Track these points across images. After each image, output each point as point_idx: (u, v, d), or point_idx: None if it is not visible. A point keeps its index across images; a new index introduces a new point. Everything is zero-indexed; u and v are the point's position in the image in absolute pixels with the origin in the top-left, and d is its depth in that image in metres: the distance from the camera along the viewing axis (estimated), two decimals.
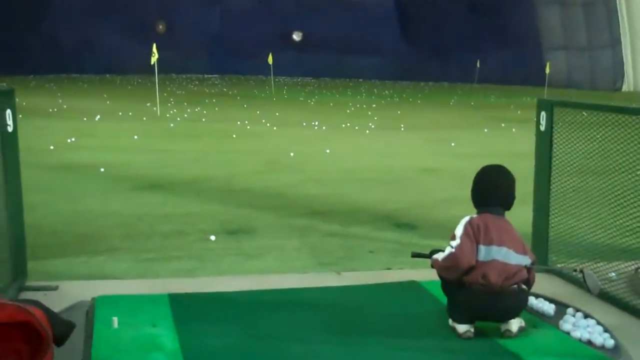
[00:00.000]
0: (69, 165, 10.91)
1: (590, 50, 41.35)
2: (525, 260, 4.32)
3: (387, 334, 4.31)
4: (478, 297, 4.19)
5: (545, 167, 5.62)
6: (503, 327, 4.24)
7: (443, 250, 4.37)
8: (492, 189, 4.48)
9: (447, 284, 4.44)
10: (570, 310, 4.62)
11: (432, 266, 4.47)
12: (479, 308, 4.22)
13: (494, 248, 4.23)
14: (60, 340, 3.53)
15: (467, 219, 4.37)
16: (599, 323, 4.41)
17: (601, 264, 5.11)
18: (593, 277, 4.44)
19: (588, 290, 4.43)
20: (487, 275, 4.18)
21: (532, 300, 4.71)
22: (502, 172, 4.53)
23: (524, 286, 4.30)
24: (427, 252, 4.61)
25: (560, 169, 5.56)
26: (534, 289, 4.56)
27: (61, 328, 3.56)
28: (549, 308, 4.67)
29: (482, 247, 4.24)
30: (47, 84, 33.10)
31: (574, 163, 5.41)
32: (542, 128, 5.65)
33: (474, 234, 4.27)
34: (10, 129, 4.86)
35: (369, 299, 4.98)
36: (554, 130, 5.59)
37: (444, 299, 4.51)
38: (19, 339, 3.26)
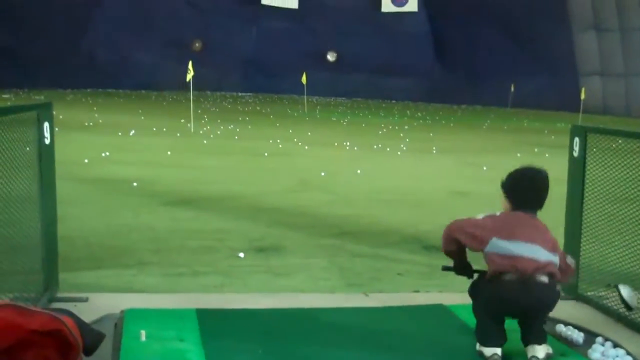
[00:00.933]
0: (103, 178, 11.05)
1: (627, 77, 40.93)
2: (555, 258, 4.32)
3: (413, 357, 4.29)
4: (509, 287, 4.19)
5: (578, 193, 5.57)
6: (530, 352, 4.20)
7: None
8: (530, 191, 4.51)
9: (477, 282, 4.50)
10: (599, 339, 4.57)
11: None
12: (509, 299, 4.20)
13: (526, 245, 4.24)
14: (89, 350, 3.58)
15: (498, 213, 4.52)
16: (628, 353, 4.35)
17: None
18: (630, 291, 4.38)
19: (626, 305, 4.37)
20: (516, 265, 4.19)
21: (561, 327, 4.66)
22: (541, 175, 4.54)
23: (554, 280, 4.29)
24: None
25: (593, 196, 5.50)
26: (563, 317, 4.51)
27: (91, 338, 3.61)
28: (578, 336, 4.62)
29: (510, 242, 4.26)
30: (84, 98, 33.60)
31: (608, 190, 5.36)
32: (575, 154, 5.62)
33: (494, 226, 4.37)
34: (47, 141, 4.94)
35: (396, 321, 4.96)
36: (587, 156, 5.55)
37: (471, 323, 4.49)
38: (51, 347, 3.31)
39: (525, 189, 4.52)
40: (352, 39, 47.16)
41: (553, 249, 4.33)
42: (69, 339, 3.31)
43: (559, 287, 4.36)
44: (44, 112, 4.92)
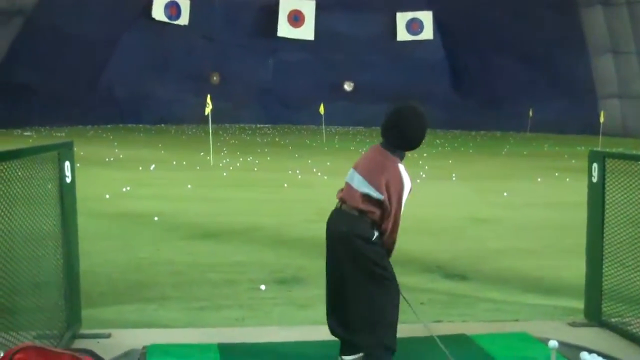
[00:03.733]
0: (124, 213, 11.13)
1: None
2: (376, 194, 4.35)
3: None
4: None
5: (598, 218, 5.54)
6: None
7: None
8: (388, 124, 4.51)
9: None
10: None
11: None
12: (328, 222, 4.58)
13: (353, 172, 4.49)
14: None
15: None
16: None
17: None
18: None
19: None
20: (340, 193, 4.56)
21: (585, 355, 4.60)
22: (403, 111, 4.53)
23: (368, 218, 4.38)
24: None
25: (614, 220, 5.46)
26: (587, 344, 4.46)
27: None
28: None
29: (352, 171, 4.55)
30: (105, 134, 33.94)
31: (630, 214, 5.32)
32: (594, 180, 5.59)
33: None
34: (68, 180, 5.01)
35: (418, 351, 4.92)
36: (607, 180, 5.52)
37: (493, 353, 4.45)
38: None
39: (385, 122, 4.56)
40: (369, 68, 47.37)
41: (378, 184, 4.35)
42: None
43: (374, 236, 4.40)
44: (65, 151, 4.98)
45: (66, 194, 4.99)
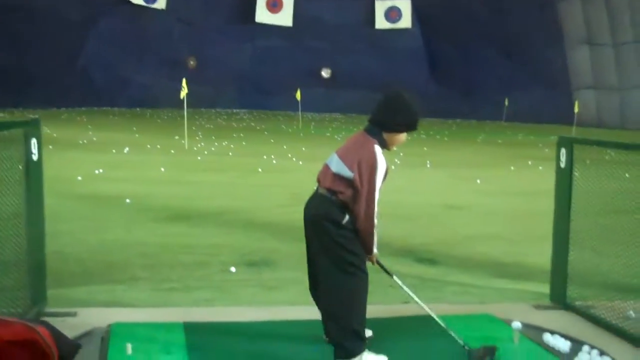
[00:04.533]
0: (96, 195, 11.05)
1: (621, 91, 41.09)
2: (347, 172, 4.35)
3: None
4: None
5: (565, 203, 5.60)
6: None
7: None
8: (375, 106, 4.65)
9: None
10: (585, 348, 4.57)
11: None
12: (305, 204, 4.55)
13: (334, 154, 4.56)
14: None
15: None
16: None
17: (619, 301, 5.07)
18: None
19: None
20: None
21: (547, 336, 4.68)
22: (389, 93, 4.69)
23: (338, 199, 4.34)
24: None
25: (582, 207, 5.52)
26: (550, 326, 4.52)
27: (67, 348, 3.62)
28: (565, 345, 4.63)
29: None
30: (79, 117, 33.59)
31: (598, 201, 5.38)
32: (562, 165, 5.65)
33: None
34: (35, 157, 4.95)
35: (385, 332, 4.96)
36: (577, 169, 5.58)
37: (460, 334, 4.49)
38: (25, 358, 3.30)
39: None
40: (346, 56, 47.32)
41: (350, 164, 4.36)
42: (44, 349, 3.31)
43: (345, 220, 4.34)
44: (31, 128, 4.93)
45: (33, 172, 4.93)
